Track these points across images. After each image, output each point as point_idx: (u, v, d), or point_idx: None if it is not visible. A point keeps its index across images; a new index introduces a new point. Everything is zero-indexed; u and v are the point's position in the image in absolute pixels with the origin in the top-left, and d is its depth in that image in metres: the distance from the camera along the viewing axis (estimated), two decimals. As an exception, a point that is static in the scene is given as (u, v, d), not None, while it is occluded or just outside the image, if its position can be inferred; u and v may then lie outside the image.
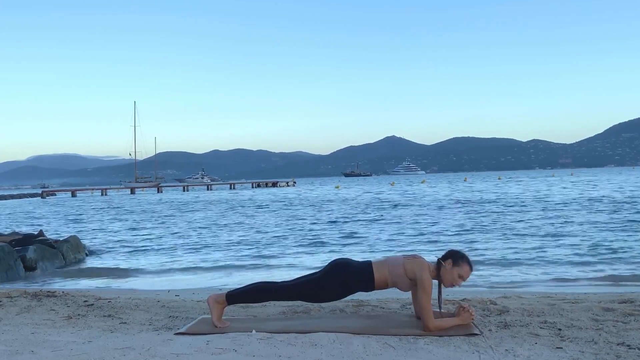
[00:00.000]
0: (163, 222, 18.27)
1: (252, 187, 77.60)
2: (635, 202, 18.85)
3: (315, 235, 12.49)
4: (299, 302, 4.00)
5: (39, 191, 75.52)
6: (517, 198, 24.65)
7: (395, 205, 23.11)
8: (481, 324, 3.35)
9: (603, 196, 22.90)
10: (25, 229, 15.50)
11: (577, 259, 7.80)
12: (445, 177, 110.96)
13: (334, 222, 15.95)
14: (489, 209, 18.75)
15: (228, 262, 8.84)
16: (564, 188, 34.12)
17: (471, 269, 3.33)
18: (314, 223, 15.84)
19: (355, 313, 3.80)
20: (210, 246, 11.08)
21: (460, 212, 17.97)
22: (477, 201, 23.64)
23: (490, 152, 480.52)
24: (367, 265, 3.38)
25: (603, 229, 11.31)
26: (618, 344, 2.86)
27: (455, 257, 3.30)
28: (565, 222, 13.00)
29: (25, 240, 9.18)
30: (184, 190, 72.61)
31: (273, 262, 8.74)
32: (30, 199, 62.34)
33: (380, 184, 73.59)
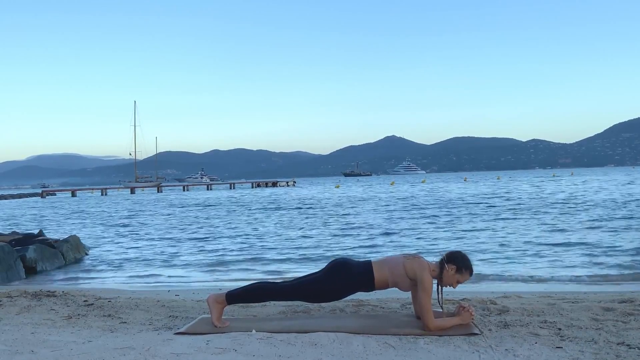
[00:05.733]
0: (162, 220, 18.28)
1: (252, 187, 77.60)
2: None
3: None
4: (299, 302, 4.00)
5: (39, 191, 75.50)
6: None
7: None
8: (481, 323, 3.35)
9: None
10: (25, 229, 15.50)
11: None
12: (446, 177, 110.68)
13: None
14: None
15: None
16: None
17: (471, 275, 3.38)
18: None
19: (355, 313, 3.80)
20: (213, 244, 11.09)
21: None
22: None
23: (490, 152, 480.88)
24: (367, 265, 3.38)
25: None
26: (618, 344, 2.86)
27: (459, 265, 3.30)
28: None
29: (25, 240, 9.18)
30: (183, 190, 72.60)
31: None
32: (30, 198, 62.32)
33: (383, 183, 73.60)
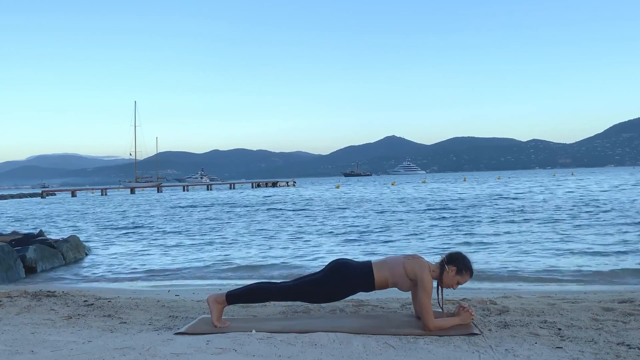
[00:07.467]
0: (164, 219, 18.28)
1: (252, 187, 77.58)
2: None
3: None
4: (299, 302, 4.00)
5: (39, 191, 75.53)
6: None
7: None
8: (481, 323, 3.35)
9: None
10: (25, 229, 15.49)
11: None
12: (446, 178, 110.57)
13: None
14: None
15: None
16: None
17: (471, 277, 3.37)
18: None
19: (355, 313, 3.80)
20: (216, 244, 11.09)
21: None
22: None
23: (490, 152, 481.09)
24: (368, 266, 3.38)
25: None
26: (618, 344, 2.86)
27: (459, 266, 3.31)
28: None
29: (25, 240, 9.18)
30: (184, 190, 72.62)
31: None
32: (30, 198, 62.33)
33: (384, 183, 73.57)
